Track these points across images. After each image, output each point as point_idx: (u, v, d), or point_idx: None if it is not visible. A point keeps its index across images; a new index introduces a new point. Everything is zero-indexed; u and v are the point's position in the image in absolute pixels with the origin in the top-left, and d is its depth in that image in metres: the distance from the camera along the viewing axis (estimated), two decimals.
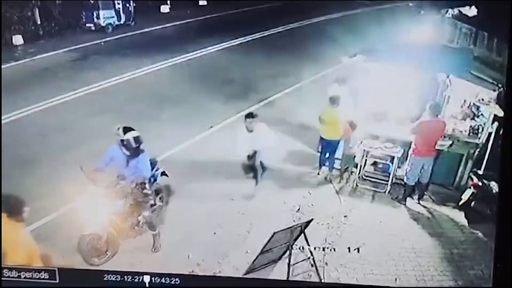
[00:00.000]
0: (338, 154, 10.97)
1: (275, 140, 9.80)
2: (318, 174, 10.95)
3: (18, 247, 6.26)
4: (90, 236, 7.86)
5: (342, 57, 12.10)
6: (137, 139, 8.10)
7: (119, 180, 8.15)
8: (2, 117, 12.79)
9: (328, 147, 10.72)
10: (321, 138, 10.78)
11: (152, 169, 8.84)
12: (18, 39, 20.73)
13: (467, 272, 8.07)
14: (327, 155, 10.82)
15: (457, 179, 10.28)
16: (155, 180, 8.94)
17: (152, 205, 8.67)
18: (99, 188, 7.92)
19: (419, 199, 10.03)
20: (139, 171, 8.19)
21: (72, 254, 7.64)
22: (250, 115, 9.65)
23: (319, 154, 11.08)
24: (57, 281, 5.60)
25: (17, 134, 11.93)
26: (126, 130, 8.12)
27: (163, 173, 9.17)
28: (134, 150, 8.11)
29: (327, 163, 10.90)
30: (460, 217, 9.47)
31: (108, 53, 19.58)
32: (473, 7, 16.74)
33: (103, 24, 22.93)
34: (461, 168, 10.18)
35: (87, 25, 23.09)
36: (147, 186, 8.35)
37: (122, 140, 8.05)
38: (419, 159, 9.64)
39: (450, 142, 10.12)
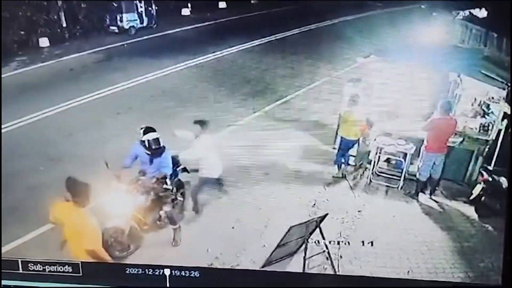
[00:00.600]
0: (353, 151, 10.98)
1: (215, 157, 9.39)
2: (336, 174, 10.94)
3: (88, 231, 6.32)
4: (112, 230, 7.96)
5: (356, 58, 12.13)
6: (156, 141, 8.18)
7: (140, 176, 8.26)
8: (30, 116, 13.06)
9: (346, 145, 10.70)
10: (340, 137, 10.77)
11: (174, 165, 8.95)
12: (44, 42, 20.88)
13: (477, 264, 8.06)
14: (343, 153, 10.81)
15: (468, 174, 10.25)
16: (176, 176, 9.01)
17: (173, 200, 8.74)
18: (121, 184, 8.02)
19: (430, 194, 10.02)
20: (162, 168, 8.28)
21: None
22: (200, 122, 9.23)
23: (335, 151, 11.07)
24: (81, 274, 5.69)
25: (44, 133, 12.08)
26: (146, 131, 8.22)
27: (184, 169, 9.24)
28: (155, 150, 8.21)
29: (342, 160, 10.90)
30: (470, 211, 9.45)
31: (131, 55, 19.68)
32: (483, 9, 16.67)
33: (126, 27, 23.01)
34: (471, 164, 10.16)
35: (111, 28, 23.20)
36: (167, 181, 8.42)
37: (142, 141, 8.16)
38: (431, 156, 9.64)
39: (461, 139, 10.13)
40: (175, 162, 9.06)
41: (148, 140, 8.13)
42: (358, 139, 10.67)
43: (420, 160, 10.02)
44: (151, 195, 8.31)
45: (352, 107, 10.40)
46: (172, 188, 8.65)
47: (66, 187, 6.40)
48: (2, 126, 12.27)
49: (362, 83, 11.47)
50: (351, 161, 11.03)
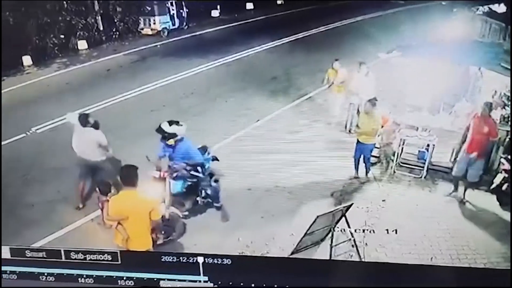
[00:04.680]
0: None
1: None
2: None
3: (152, 201, 6.50)
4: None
5: (379, 53, 12.04)
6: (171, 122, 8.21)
7: (170, 164, 8.28)
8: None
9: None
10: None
11: (204, 153, 8.99)
12: (83, 44, 21.17)
13: (499, 251, 7.91)
14: None
15: (489, 164, 10.07)
16: (208, 163, 9.02)
17: (207, 186, 8.75)
18: (161, 173, 8.08)
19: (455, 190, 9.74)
20: (188, 156, 8.29)
21: None
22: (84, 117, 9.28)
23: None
24: (119, 262, 5.71)
25: None
26: (171, 123, 8.27)
27: (214, 158, 9.24)
28: (168, 138, 8.19)
29: None
30: (492, 200, 9.26)
31: (164, 55, 19.86)
32: (502, 4, 16.40)
33: (159, 29, 23.20)
34: (492, 153, 9.96)
35: (145, 30, 23.43)
36: (199, 169, 8.45)
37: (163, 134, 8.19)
38: (472, 157, 9.33)
39: None
40: (205, 151, 9.10)
41: (163, 130, 8.17)
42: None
43: (467, 163, 9.62)
44: (187, 182, 8.36)
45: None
46: (205, 176, 8.64)
47: (121, 176, 6.42)
48: (44, 124, 12.53)
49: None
50: (375, 152, 10.80)
